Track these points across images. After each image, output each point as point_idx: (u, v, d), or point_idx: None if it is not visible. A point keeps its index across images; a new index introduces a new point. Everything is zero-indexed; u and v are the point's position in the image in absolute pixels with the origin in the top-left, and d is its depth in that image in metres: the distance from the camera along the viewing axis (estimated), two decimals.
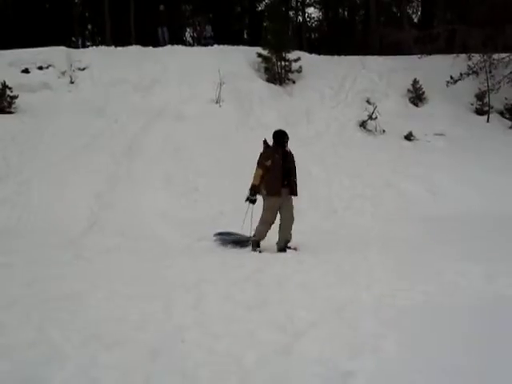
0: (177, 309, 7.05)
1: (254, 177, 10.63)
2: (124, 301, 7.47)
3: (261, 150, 11.07)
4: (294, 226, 10.97)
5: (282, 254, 10.48)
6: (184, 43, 33.04)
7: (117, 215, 13.85)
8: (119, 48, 24.14)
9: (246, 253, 10.72)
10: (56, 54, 21.63)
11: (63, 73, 20.95)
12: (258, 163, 10.63)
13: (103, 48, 25.15)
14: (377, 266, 9.19)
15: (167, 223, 13.42)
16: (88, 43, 38.68)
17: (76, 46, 31.17)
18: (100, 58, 22.04)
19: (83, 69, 21.41)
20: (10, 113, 18.68)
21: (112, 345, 5.88)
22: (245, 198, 10.86)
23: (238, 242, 11.13)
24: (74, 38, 36.90)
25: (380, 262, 9.48)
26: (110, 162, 16.15)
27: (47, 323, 6.48)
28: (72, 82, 20.64)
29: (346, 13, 44.86)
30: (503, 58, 22.98)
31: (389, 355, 5.48)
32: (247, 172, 16.13)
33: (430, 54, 24.04)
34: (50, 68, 21.11)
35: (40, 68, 21.08)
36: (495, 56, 23.05)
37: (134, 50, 23.91)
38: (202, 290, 7.89)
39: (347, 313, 6.75)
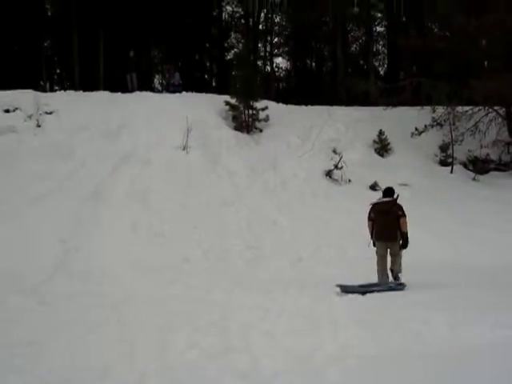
0: (140, 356, 7.01)
1: (406, 226, 11.82)
2: (87, 348, 7.41)
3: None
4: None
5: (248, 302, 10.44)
6: (152, 90, 33.09)
7: (82, 260, 13.72)
8: (87, 93, 24.06)
9: (211, 300, 10.63)
10: (23, 98, 21.51)
11: (30, 116, 20.77)
12: (405, 215, 11.85)
13: (71, 92, 25.05)
14: (342, 315, 9.21)
15: (132, 268, 13.33)
16: (56, 87, 38.55)
17: (44, 90, 31.01)
18: (68, 103, 21.95)
19: (50, 113, 21.25)
20: None
21: None
22: (405, 245, 11.87)
23: (368, 290, 11.31)
24: (42, 82, 36.73)
25: (345, 311, 9.51)
26: (76, 206, 16.02)
27: (7, 370, 6.40)
28: (39, 126, 20.48)
29: (313, 64, 45.36)
30: (466, 111, 23.43)
31: None
32: (213, 218, 16.27)
33: (396, 106, 24.43)
34: (17, 111, 20.92)
35: (6, 111, 20.89)
36: (459, 109, 23.48)
37: (103, 95, 23.88)
38: (166, 336, 7.85)
39: (311, 362, 6.75)
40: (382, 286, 11.50)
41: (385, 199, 12.32)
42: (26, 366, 6.58)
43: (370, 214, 12.24)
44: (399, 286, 11.52)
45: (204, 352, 7.17)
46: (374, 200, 12.69)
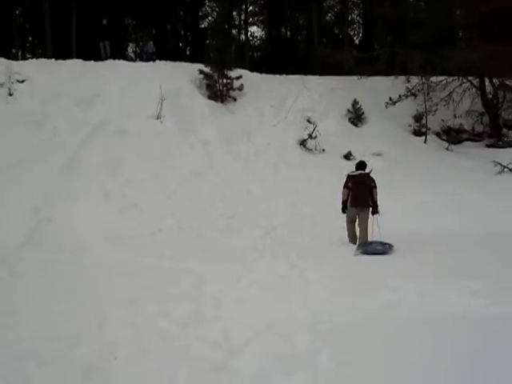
0: (111, 325, 7.01)
1: (377, 196, 13.40)
2: (58, 317, 7.39)
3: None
4: None
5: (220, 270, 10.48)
6: (126, 58, 32.80)
7: (54, 230, 13.60)
8: (60, 61, 23.78)
9: (184, 270, 10.63)
10: None
11: (1, 85, 20.45)
12: (377, 187, 13.40)
13: (44, 60, 24.71)
14: (313, 283, 9.29)
15: (105, 238, 13.25)
16: (28, 55, 38.15)
17: (16, 58, 30.65)
18: (40, 71, 21.69)
19: (22, 81, 20.99)
20: None
21: (45, 362, 5.82)
22: (376, 211, 13.34)
23: (377, 251, 12.26)
24: (13, 50, 36.32)
25: (317, 279, 9.58)
26: (49, 176, 15.87)
27: None
28: (10, 95, 20.22)
29: (288, 32, 45.26)
30: (441, 81, 23.53)
31: (323, 370, 5.55)
32: (187, 188, 16.23)
33: (370, 76, 24.45)
34: None
35: None
36: (433, 79, 23.58)
37: (76, 63, 23.64)
38: (137, 305, 7.86)
39: (283, 329, 6.81)
40: (376, 247, 12.43)
41: (360, 171, 13.73)
42: None
43: (347, 182, 13.62)
44: (388, 248, 12.41)
45: (176, 321, 7.19)
46: (350, 172, 13.92)
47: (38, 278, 9.90)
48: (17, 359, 5.87)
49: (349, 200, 13.53)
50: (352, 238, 13.45)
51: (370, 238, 13.01)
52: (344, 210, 13.69)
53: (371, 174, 13.65)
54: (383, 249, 12.32)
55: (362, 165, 13.94)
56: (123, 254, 12.07)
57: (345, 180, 13.74)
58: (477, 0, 21.70)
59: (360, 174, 13.66)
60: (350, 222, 13.57)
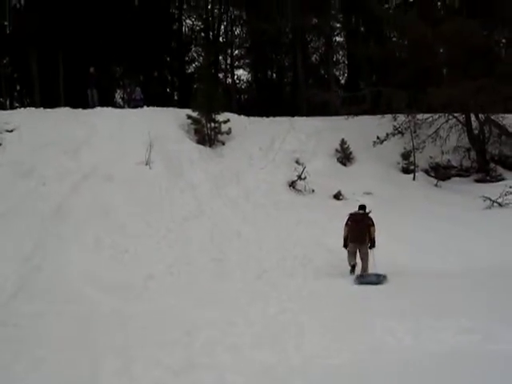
0: (104, 375, 6.95)
1: (374, 232, 14.70)
2: (50, 368, 7.34)
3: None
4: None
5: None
6: (114, 105, 32.91)
7: (45, 279, 13.49)
8: (48, 109, 23.86)
9: (176, 316, 10.57)
10: None
11: None
12: (374, 225, 14.73)
13: (32, 109, 24.78)
14: (307, 326, 9.25)
15: (96, 286, 13.15)
16: (16, 104, 38.22)
17: (4, 107, 30.73)
18: (29, 120, 21.74)
19: (11, 130, 21.00)
20: None
21: None
22: (373, 245, 14.59)
23: (372, 281, 13.37)
24: (1, 99, 36.43)
25: (310, 322, 9.53)
26: (38, 224, 15.80)
27: None
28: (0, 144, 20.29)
29: (274, 75, 45.52)
30: (427, 119, 23.75)
31: None
32: (177, 233, 16.20)
33: (357, 115, 24.63)
34: None
35: None
36: (419, 116, 23.79)
37: (64, 111, 23.72)
38: (130, 354, 7.80)
39: (276, 375, 6.76)
40: (372, 278, 13.61)
41: (359, 211, 15.22)
42: None
43: (347, 221, 14.93)
44: (383, 278, 13.50)
45: (169, 369, 7.14)
46: (352, 211, 15.22)
47: (30, 329, 9.83)
48: None
49: (349, 236, 14.74)
50: (351, 265, 14.61)
51: (369, 270, 14.25)
52: (346, 245, 14.82)
53: (370, 215, 14.99)
54: (378, 280, 13.36)
55: (362, 207, 15.45)
56: (115, 302, 11.99)
57: (346, 219, 14.97)
58: (459, 38, 21.99)
59: (358, 213, 15.15)
60: (351, 254, 14.68)
